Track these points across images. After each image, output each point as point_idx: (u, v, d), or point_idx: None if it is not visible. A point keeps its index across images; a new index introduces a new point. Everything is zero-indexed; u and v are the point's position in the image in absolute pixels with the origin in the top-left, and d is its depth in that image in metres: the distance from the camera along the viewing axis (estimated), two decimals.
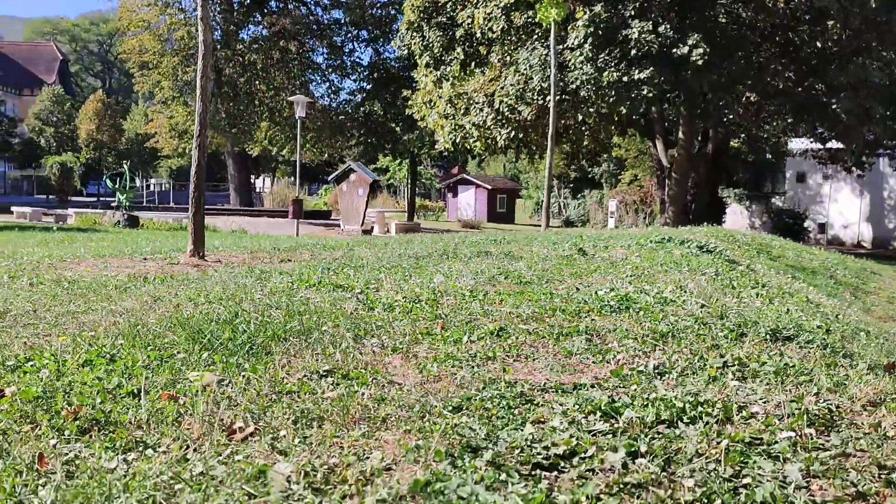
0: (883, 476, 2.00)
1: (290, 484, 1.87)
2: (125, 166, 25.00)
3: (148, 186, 58.16)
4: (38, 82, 78.58)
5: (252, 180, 61.76)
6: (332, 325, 3.37)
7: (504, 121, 23.52)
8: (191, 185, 6.99)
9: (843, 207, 42.17)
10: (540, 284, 4.65)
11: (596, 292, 4.17)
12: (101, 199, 63.59)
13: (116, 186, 23.90)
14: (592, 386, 2.66)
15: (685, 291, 4.26)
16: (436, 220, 55.66)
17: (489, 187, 55.82)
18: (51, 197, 54.25)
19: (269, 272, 5.40)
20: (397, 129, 36.26)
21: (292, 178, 63.73)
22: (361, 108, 37.96)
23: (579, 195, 57.52)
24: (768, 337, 3.30)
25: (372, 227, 31.00)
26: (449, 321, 3.50)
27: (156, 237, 15.87)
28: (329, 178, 35.09)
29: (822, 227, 42.31)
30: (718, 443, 2.12)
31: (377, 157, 50.21)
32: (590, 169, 53.06)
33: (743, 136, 29.51)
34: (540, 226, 53.07)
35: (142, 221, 23.35)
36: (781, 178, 46.46)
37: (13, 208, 34.10)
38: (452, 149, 27.73)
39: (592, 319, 3.58)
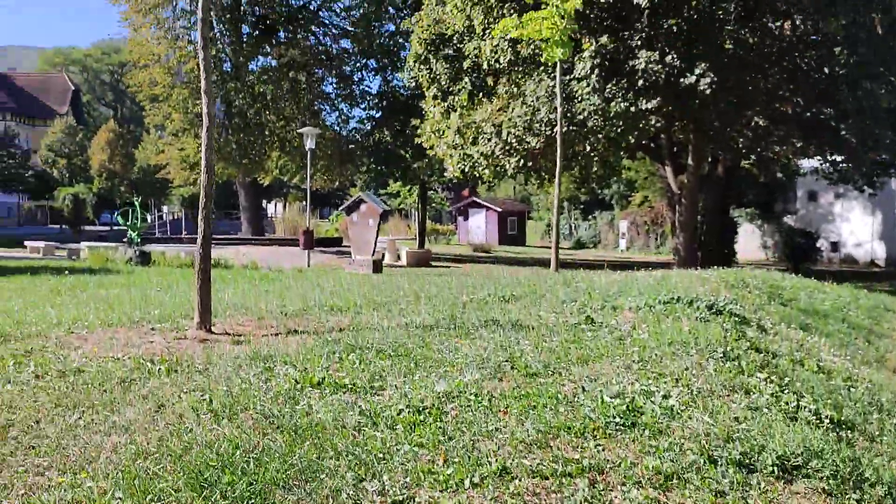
0: None
1: None
2: (135, 202, 25.10)
3: (160, 217, 58.48)
4: (50, 113, 79.27)
5: (264, 205, 62.09)
6: (333, 460, 3.33)
7: (512, 150, 23.53)
8: (196, 257, 6.99)
9: (855, 226, 41.94)
10: (546, 377, 4.61)
11: (602, 398, 4.13)
12: (114, 228, 64.05)
13: (127, 223, 24.00)
14: None
15: (692, 393, 4.22)
16: (447, 244, 55.75)
17: (499, 210, 55.88)
18: (64, 227, 54.58)
19: (275, 357, 5.37)
20: (407, 156, 36.30)
21: (303, 203, 63.96)
22: (371, 137, 38.06)
23: (590, 216, 57.46)
24: (776, 470, 3.25)
25: (383, 255, 31.03)
26: (451, 448, 3.46)
27: (167, 279, 15.88)
28: (340, 209, 35.15)
29: (835, 246, 42.11)
30: None
31: (387, 183, 50.35)
32: (600, 191, 53.09)
33: (752, 157, 29.42)
34: (550, 247, 52.72)
35: (154, 257, 23.40)
36: (793, 198, 46.26)
37: (27, 242, 34.30)
38: (462, 177, 27.77)
39: (598, 444, 3.53)
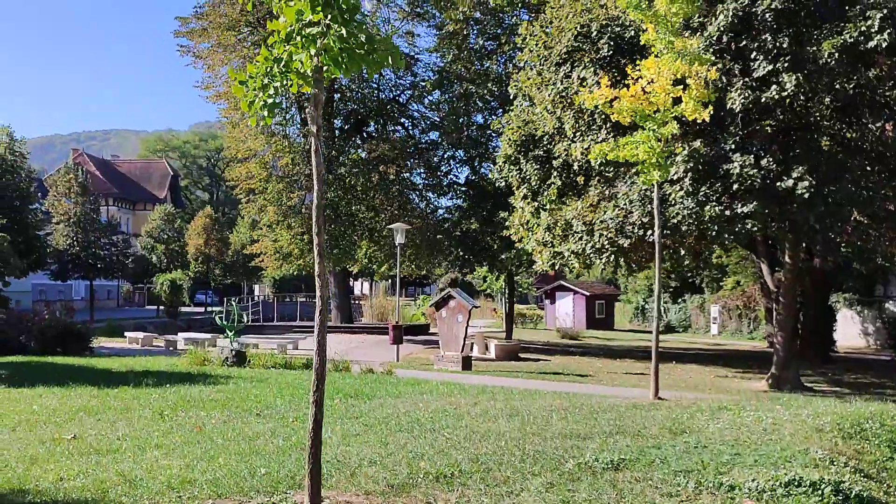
0: None
1: None
2: (233, 304, 25.77)
3: (252, 298, 59.90)
4: (150, 198, 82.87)
5: (351, 283, 62.97)
6: None
7: (603, 250, 23.35)
8: (310, 421, 6.99)
9: None
10: None
11: None
12: (208, 308, 65.94)
13: (225, 323, 24.61)
14: None
15: None
16: (534, 329, 55.42)
17: (587, 293, 55.38)
18: (161, 308, 56.37)
19: None
20: (494, 245, 36.42)
21: (390, 281, 64.64)
22: (459, 226, 38.39)
23: (679, 300, 56.40)
24: None
25: (472, 347, 30.95)
26: None
27: (265, 392, 16.09)
28: (426, 293, 35.36)
29: None
30: None
31: (474, 268, 50.57)
32: (689, 274, 52.22)
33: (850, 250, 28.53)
34: (639, 331, 51.73)
35: (248, 355, 23.86)
36: (894, 281, 44.59)
37: (127, 334, 35.52)
38: (551, 272, 27.70)
39: None
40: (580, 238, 23.78)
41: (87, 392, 15.67)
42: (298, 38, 6.28)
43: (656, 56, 13.15)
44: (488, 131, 36.52)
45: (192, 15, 38.62)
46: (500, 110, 36.42)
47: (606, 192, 23.01)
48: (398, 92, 40.70)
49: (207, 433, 10.78)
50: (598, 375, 24.94)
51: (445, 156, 39.98)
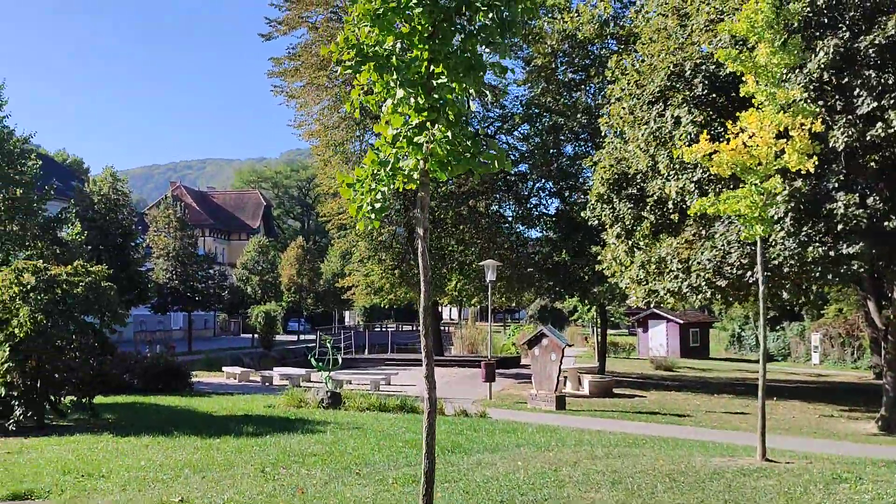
0: None
1: None
2: (328, 343, 26.15)
3: (343, 328, 60.83)
4: (244, 227, 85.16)
5: (440, 309, 63.27)
6: None
7: (699, 289, 22.85)
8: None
9: None
10: None
11: None
12: (300, 337, 67.22)
13: (320, 365, 24.98)
14: None
15: None
16: (627, 358, 54.46)
17: (681, 321, 54.22)
18: (255, 336, 57.69)
19: None
20: (586, 277, 36.03)
21: (479, 308, 64.58)
22: (549, 258, 38.14)
23: (778, 327, 54.71)
24: None
25: (565, 381, 30.61)
26: None
27: (363, 442, 16.24)
28: (521, 342, 35.18)
29: None
30: None
31: (564, 298, 50.15)
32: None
33: None
34: (735, 359, 50.26)
35: (342, 395, 24.17)
36: None
37: (224, 369, 36.45)
38: (645, 307, 27.25)
39: None
40: (676, 276, 23.34)
41: (190, 443, 16.08)
42: (404, 141, 6.33)
43: (757, 108, 12.81)
44: (578, 162, 36.26)
45: (286, 55, 39.65)
46: (590, 142, 36.18)
47: (703, 232, 22.53)
48: (487, 125, 40.84)
49: (309, 498, 10.89)
50: (697, 415, 24.34)
51: (535, 187, 39.85)
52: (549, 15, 36.18)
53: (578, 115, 36.08)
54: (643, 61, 24.06)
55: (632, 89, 24.05)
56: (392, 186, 6.41)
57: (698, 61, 21.58)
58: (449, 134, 6.19)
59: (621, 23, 34.83)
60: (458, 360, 42.99)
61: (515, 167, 39.64)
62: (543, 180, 38.97)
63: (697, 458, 13.53)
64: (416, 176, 6.33)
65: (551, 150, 37.29)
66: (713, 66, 21.21)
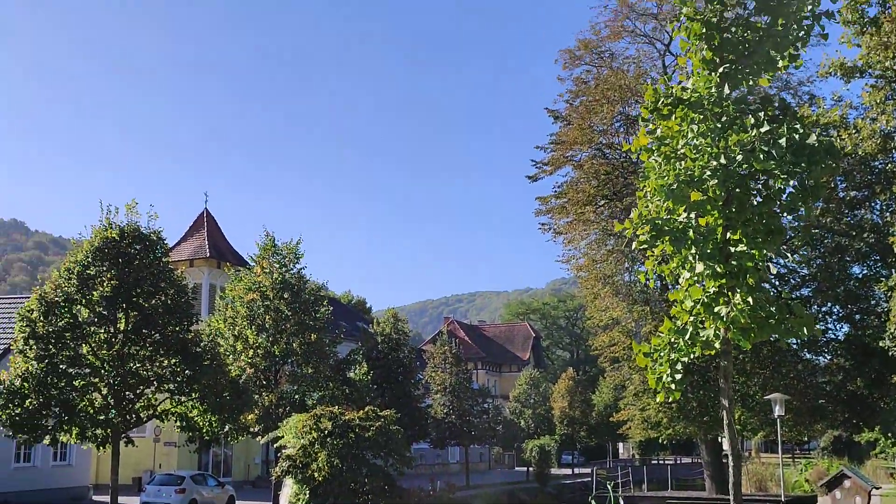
0: None
1: None
2: (609, 487, 25.47)
3: (618, 461, 59.05)
4: (515, 359, 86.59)
5: (719, 440, 59.74)
6: None
7: None
8: None
9: None
10: None
11: None
12: (574, 470, 65.99)
13: None
14: None
15: None
16: None
17: None
18: (529, 470, 57.37)
19: None
20: (887, 408, 32.64)
21: (761, 437, 60.16)
22: (842, 388, 35.08)
23: None
24: None
25: None
26: None
27: None
28: (819, 484, 32.34)
29: None
30: None
31: (862, 430, 45.60)
32: None
33: None
34: None
35: None
36: None
37: None
38: None
39: None
40: None
41: None
42: (701, 308, 6.20)
43: None
44: (869, 283, 33.56)
45: (552, 194, 40.76)
46: (881, 262, 33.49)
47: None
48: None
49: None
50: None
51: (821, 312, 37.18)
52: (825, 133, 34.49)
53: (865, 235, 33.58)
54: None
55: None
56: (692, 356, 6.26)
57: None
58: (750, 300, 5.98)
59: None
60: (748, 499, 40.03)
61: (797, 292, 37.39)
62: (830, 304, 36.31)
63: None
64: (717, 345, 6.15)
65: (836, 273, 34.84)
66: None
